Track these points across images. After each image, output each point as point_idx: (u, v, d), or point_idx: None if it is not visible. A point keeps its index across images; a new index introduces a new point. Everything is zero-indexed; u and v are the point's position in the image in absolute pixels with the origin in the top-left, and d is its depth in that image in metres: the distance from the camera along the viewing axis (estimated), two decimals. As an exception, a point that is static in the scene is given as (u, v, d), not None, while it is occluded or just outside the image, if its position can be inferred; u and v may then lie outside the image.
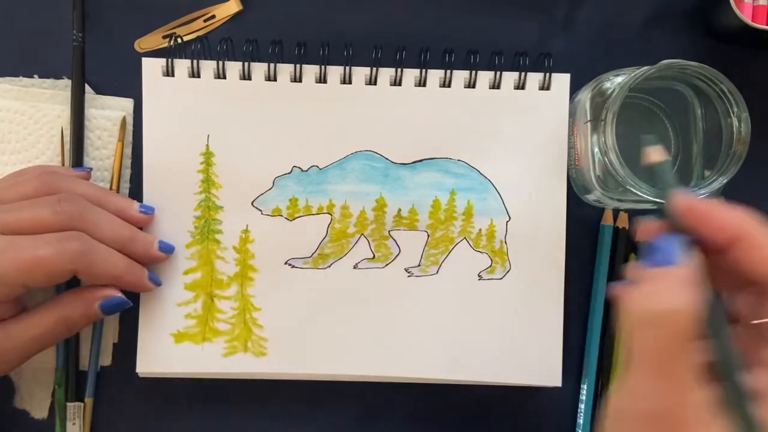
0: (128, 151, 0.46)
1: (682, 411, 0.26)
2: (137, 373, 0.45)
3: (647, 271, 0.28)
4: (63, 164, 0.45)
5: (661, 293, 0.27)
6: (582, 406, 0.46)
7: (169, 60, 0.44)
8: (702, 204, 0.28)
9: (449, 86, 0.45)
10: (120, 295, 0.41)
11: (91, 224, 0.40)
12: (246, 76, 0.45)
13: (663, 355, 0.26)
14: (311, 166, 0.45)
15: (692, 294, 0.26)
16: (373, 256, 0.45)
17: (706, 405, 0.26)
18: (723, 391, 0.26)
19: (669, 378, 0.26)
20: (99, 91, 0.46)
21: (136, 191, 0.46)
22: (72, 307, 0.41)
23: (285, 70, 0.45)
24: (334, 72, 0.45)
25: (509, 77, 0.45)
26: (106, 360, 0.46)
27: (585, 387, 0.46)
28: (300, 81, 0.45)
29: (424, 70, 0.45)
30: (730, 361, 0.26)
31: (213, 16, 0.47)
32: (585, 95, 0.43)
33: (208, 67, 0.44)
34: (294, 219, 0.45)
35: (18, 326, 0.40)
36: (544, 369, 0.45)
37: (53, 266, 0.38)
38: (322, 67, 0.44)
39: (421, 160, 0.45)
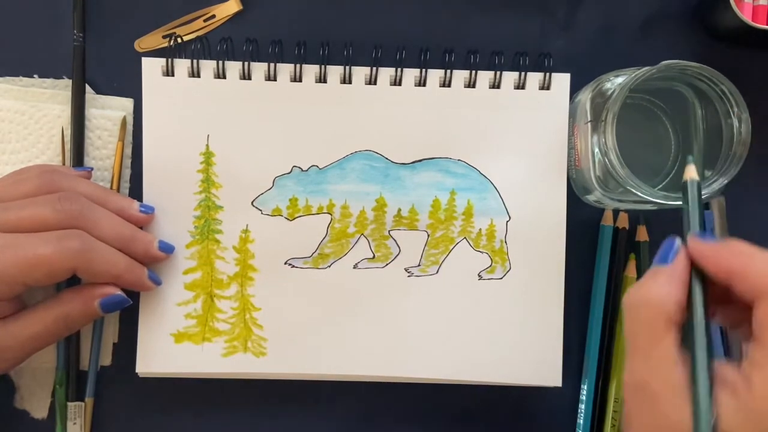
0: (128, 150, 0.46)
1: (658, 385, 0.30)
2: (137, 373, 0.45)
3: (651, 269, 0.33)
4: (64, 164, 0.45)
5: (651, 284, 0.32)
6: (582, 406, 0.46)
7: (169, 60, 0.44)
8: (706, 247, 0.33)
9: (449, 86, 0.45)
10: (120, 293, 0.41)
11: (91, 223, 0.40)
12: (246, 76, 0.45)
13: (646, 336, 0.31)
14: (311, 166, 0.45)
15: (676, 286, 0.32)
16: (373, 256, 0.45)
17: (679, 384, 0.30)
18: (691, 373, 0.30)
19: (649, 355, 0.31)
20: (99, 90, 0.46)
21: (136, 191, 0.46)
22: (72, 305, 0.41)
23: (285, 69, 0.45)
24: (334, 72, 0.45)
25: (509, 77, 0.45)
26: (106, 360, 0.46)
27: (585, 387, 0.46)
28: (300, 81, 0.45)
29: (424, 70, 0.45)
30: (700, 346, 0.30)
31: (213, 16, 0.47)
32: (585, 96, 0.43)
33: (208, 66, 0.44)
34: (294, 219, 0.45)
35: (17, 324, 0.40)
36: (544, 369, 0.45)
37: (53, 264, 0.38)
38: (322, 67, 0.44)
39: (421, 160, 0.45)
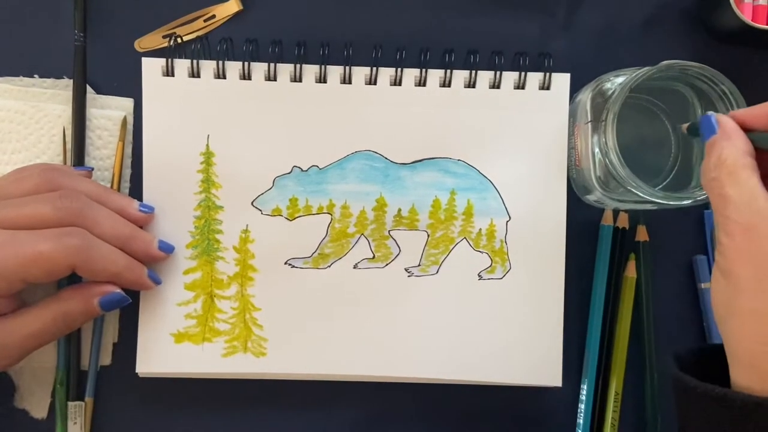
0: (128, 150, 0.46)
1: (752, 212, 0.32)
2: (137, 373, 0.45)
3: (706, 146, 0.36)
4: (65, 164, 0.45)
5: (714, 153, 0.34)
6: (582, 406, 0.46)
7: (169, 60, 0.44)
8: (749, 110, 0.36)
9: (449, 86, 0.45)
10: (119, 291, 0.41)
11: (91, 221, 0.40)
12: (246, 76, 0.45)
13: (732, 176, 0.33)
14: (311, 166, 0.45)
15: (736, 139, 0.34)
16: (373, 256, 0.45)
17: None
18: None
19: (743, 201, 0.33)
20: (99, 90, 0.46)
21: (136, 191, 0.46)
22: (71, 303, 0.41)
23: (285, 70, 0.45)
24: (334, 72, 0.45)
25: (509, 77, 0.45)
26: (106, 360, 0.46)
27: (585, 387, 0.46)
28: (300, 81, 0.45)
29: (424, 70, 0.45)
30: None
31: (213, 16, 0.47)
32: (585, 96, 0.43)
33: (208, 67, 0.44)
34: (294, 219, 0.45)
35: (17, 321, 0.40)
36: (544, 369, 0.45)
37: (53, 261, 0.38)
38: (322, 67, 0.44)
39: (421, 160, 0.45)
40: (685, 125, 0.40)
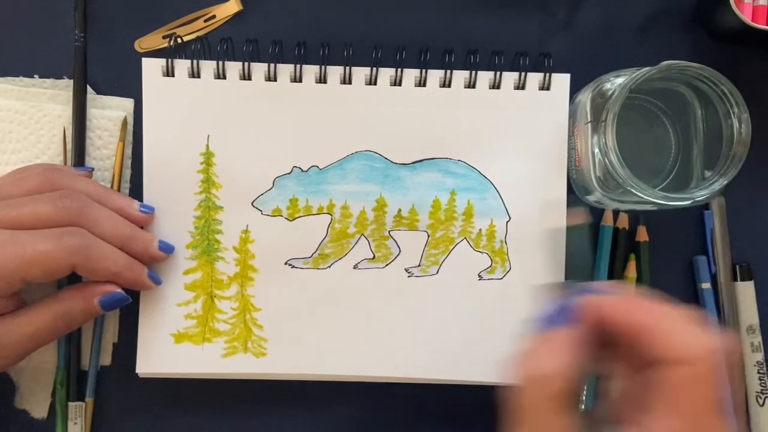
0: (129, 151, 0.46)
1: None
2: (137, 374, 0.45)
3: (535, 335, 0.30)
4: (65, 164, 0.45)
5: (538, 357, 0.29)
6: (582, 406, 0.46)
7: (169, 60, 0.44)
8: (607, 302, 0.30)
9: (449, 86, 0.45)
10: (120, 291, 0.41)
11: (91, 221, 0.40)
12: (246, 76, 0.45)
13: (537, 415, 0.28)
14: (311, 167, 0.45)
15: (566, 357, 0.29)
16: (374, 257, 0.45)
17: None
18: None
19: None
20: (99, 90, 0.46)
21: (136, 191, 0.46)
22: (71, 303, 0.41)
23: (285, 70, 0.45)
24: (334, 72, 0.45)
25: (509, 77, 0.45)
26: (105, 360, 0.46)
27: (585, 387, 0.46)
28: (300, 81, 0.45)
29: (424, 70, 0.45)
30: (593, 417, 0.28)
31: (213, 16, 0.47)
32: (585, 96, 0.43)
33: (208, 67, 0.44)
34: (294, 219, 0.45)
35: (17, 321, 0.40)
36: (544, 369, 0.45)
37: (53, 261, 0.38)
38: (322, 67, 0.44)
39: (421, 161, 0.45)
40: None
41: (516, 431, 0.29)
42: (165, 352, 0.44)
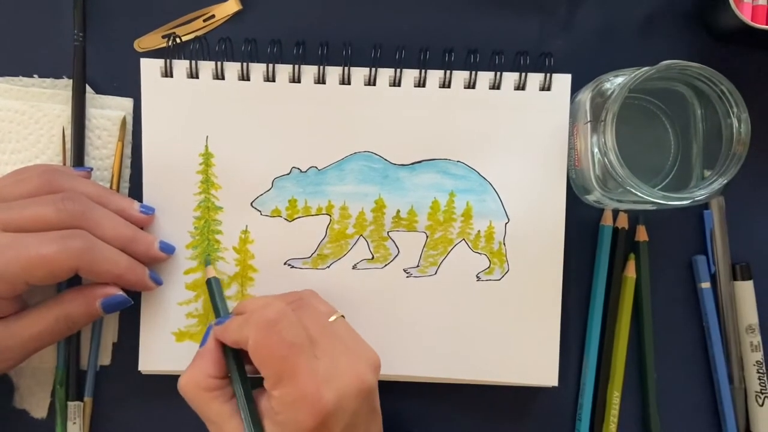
0: (128, 150, 0.46)
1: None
2: (138, 372, 0.45)
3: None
4: (64, 164, 0.45)
5: (189, 369, 0.40)
6: (582, 406, 0.46)
7: (168, 61, 0.44)
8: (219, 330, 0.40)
9: (449, 87, 0.45)
10: (121, 293, 0.41)
11: (93, 223, 0.40)
12: (245, 76, 0.45)
13: (198, 402, 0.39)
14: (310, 167, 0.45)
15: (206, 362, 0.39)
16: (372, 257, 0.45)
17: (239, 430, 0.38)
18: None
19: (210, 420, 0.39)
20: (98, 90, 0.46)
21: (136, 191, 0.46)
22: (73, 305, 0.41)
23: (284, 70, 0.45)
24: (333, 72, 0.45)
25: (509, 78, 0.45)
26: (105, 359, 0.46)
27: (584, 387, 0.46)
28: (299, 81, 0.45)
29: (423, 71, 0.45)
30: (239, 395, 0.39)
31: (212, 16, 0.47)
32: (585, 96, 0.43)
33: (206, 67, 0.44)
34: (293, 220, 0.45)
35: (19, 323, 0.40)
36: (541, 369, 0.45)
37: (56, 263, 0.38)
38: (321, 67, 0.44)
39: (420, 161, 0.45)
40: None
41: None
42: (166, 350, 0.44)
